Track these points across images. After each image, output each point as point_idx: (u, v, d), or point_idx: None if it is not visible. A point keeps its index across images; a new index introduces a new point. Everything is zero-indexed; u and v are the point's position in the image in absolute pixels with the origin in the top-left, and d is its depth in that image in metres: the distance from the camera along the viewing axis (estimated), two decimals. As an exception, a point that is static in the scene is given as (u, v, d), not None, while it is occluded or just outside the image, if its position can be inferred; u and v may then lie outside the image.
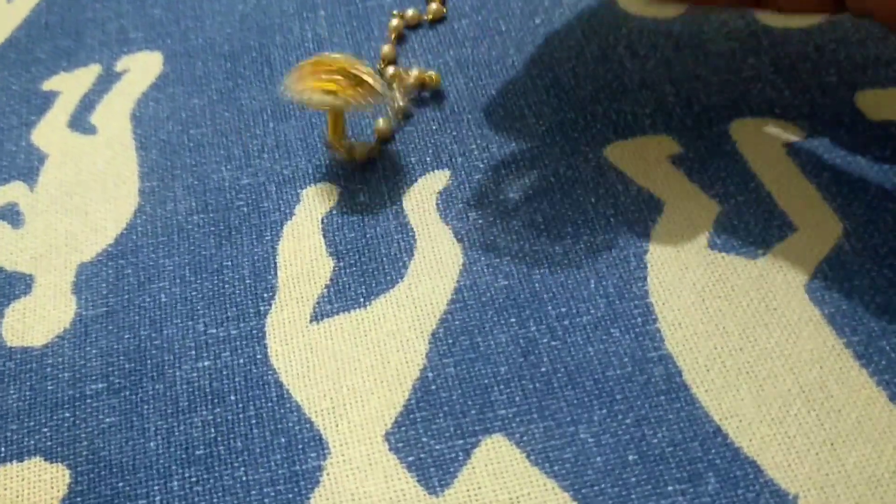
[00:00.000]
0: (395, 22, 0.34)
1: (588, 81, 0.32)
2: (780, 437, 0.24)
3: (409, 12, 0.34)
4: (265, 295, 0.27)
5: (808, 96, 0.31)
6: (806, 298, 0.26)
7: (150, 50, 0.34)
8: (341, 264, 0.28)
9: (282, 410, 0.25)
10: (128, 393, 0.26)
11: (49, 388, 0.26)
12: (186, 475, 0.24)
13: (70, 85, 0.34)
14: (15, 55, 0.35)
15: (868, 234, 0.27)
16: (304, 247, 0.28)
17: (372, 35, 0.34)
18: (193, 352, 0.26)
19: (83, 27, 0.36)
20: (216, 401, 0.25)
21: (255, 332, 0.26)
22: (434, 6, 0.34)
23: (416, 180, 0.29)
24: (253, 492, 0.24)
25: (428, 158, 0.30)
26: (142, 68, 0.34)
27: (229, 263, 0.28)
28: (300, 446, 0.24)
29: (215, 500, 0.24)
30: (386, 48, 0.33)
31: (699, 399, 0.24)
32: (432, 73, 0.32)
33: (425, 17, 0.34)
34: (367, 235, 0.28)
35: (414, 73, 0.32)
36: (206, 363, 0.26)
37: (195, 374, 0.26)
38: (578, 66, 0.32)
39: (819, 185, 0.28)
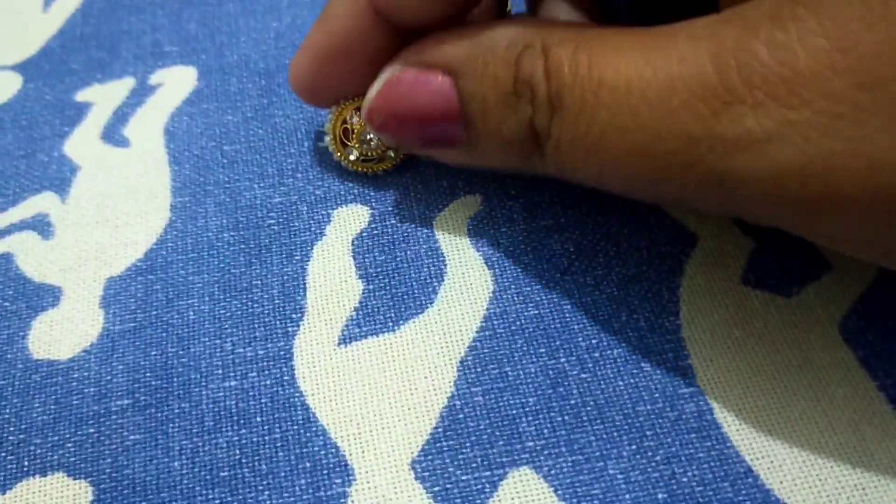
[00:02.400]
0: None
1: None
2: (811, 480, 0.23)
3: None
4: (294, 316, 0.27)
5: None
6: (839, 339, 0.26)
7: (184, 65, 0.35)
8: (371, 287, 0.28)
9: (308, 434, 0.25)
10: (153, 410, 0.25)
11: (74, 402, 0.26)
12: (210, 497, 0.24)
13: (104, 97, 0.34)
14: (49, 66, 0.35)
15: (903, 275, 0.27)
16: (333, 268, 0.28)
17: (406, 57, 0.34)
18: (220, 371, 0.26)
19: (118, 39, 0.36)
20: (242, 422, 0.25)
21: (282, 353, 0.26)
22: None
23: (447, 204, 0.29)
24: (277, 516, 0.23)
25: (460, 183, 0.30)
26: (176, 83, 0.34)
27: (258, 283, 0.28)
28: (325, 471, 0.24)
29: (239, 523, 0.23)
30: None
31: (730, 438, 0.24)
32: None
33: None
34: (398, 259, 0.28)
35: None
36: (232, 383, 0.26)
37: (221, 394, 0.26)
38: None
39: (855, 224, 0.28)
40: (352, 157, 0.29)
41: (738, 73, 0.18)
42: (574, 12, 0.28)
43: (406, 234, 0.29)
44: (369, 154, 0.29)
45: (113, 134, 0.32)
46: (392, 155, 0.29)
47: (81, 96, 0.34)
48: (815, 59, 0.17)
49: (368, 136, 0.29)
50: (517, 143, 0.24)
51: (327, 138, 0.29)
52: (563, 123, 0.22)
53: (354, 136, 0.29)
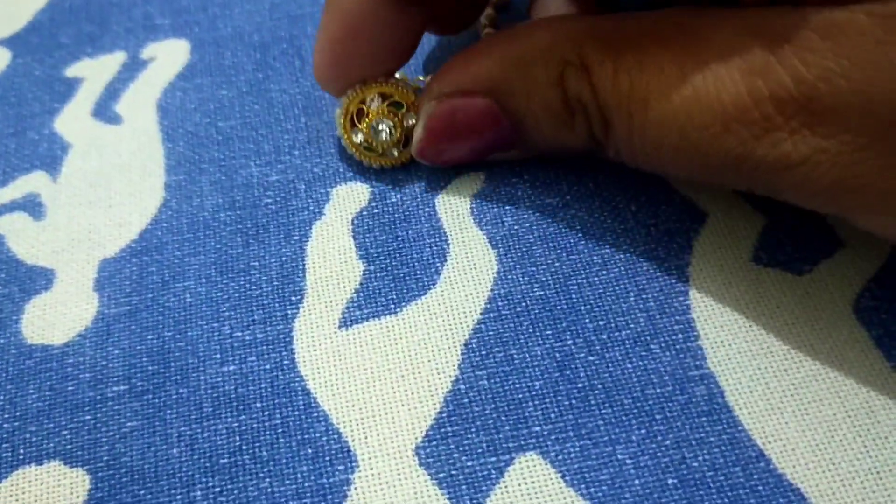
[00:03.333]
0: None
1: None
2: (824, 464, 0.23)
3: None
4: (293, 298, 0.26)
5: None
6: (853, 318, 0.25)
7: (177, 38, 0.34)
8: (371, 268, 0.27)
9: (309, 420, 0.24)
10: (150, 396, 0.25)
11: (69, 388, 0.25)
12: (210, 484, 0.23)
13: (94, 72, 0.33)
14: (38, 39, 0.34)
15: (918, 252, 0.26)
16: (333, 248, 0.27)
17: (405, 28, 0.33)
18: (218, 355, 0.25)
19: (108, 12, 0.35)
20: (241, 407, 0.24)
21: (282, 336, 0.26)
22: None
23: (449, 182, 0.29)
24: (278, 504, 0.23)
25: (462, 159, 0.29)
26: (168, 57, 0.33)
27: (256, 264, 0.27)
28: (327, 458, 0.24)
29: (239, 512, 0.23)
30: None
31: (742, 421, 0.24)
32: None
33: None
34: (399, 238, 0.27)
35: None
36: (231, 367, 0.25)
37: (220, 379, 0.25)
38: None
39: (868, 200, 0.27)
40: (356, 140, 0.28)
41: (771, 102, 0.20)
42: (567, 5, 0.28)
43: (407, 213, 0.28)
44: (373, 145, 0.28)
45: (105, 110, 0.32)
46: (395, 154, 0.28)
47: (71, 71, 0.33)
48: (837, 98, 0.20)
49: (380, 127, 0.27)
50: (578, 145, 0.26)
51: (338, 111, 0.28)
52: (618, 137, 0.24)
53: (367, 120, 0.27)
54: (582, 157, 0.28)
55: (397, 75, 0.28)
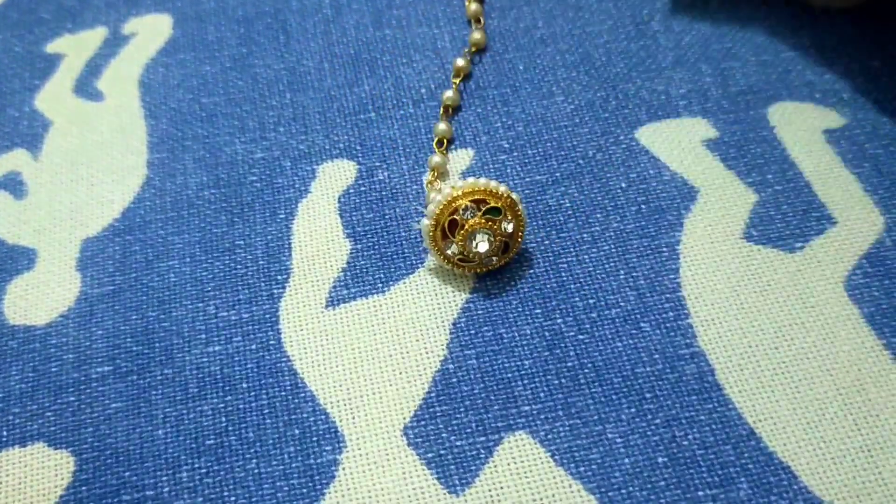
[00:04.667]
0: None
1: (620, 58, 0.30)
2: (815, 442, 0.23)
3: None
4: (279, 277, 0.26)
5: (850, 81, 0.29)
6: (844, 296, 0.25)
7: (158, 12, 0.33)
8: (359, 246, 0.27)
9: (296, 400, 0.24)
10: (135, 377, 0.24)
11: (53, 369, 0.25)
12: (196, 466, 0.23)
13: (75, 48, 0.32)
14: (17, 15, 0.33)
15: (909, 229, 0.26)
16: (319, 227, 0.27)
17: (394, 2, 0.32)
18: (204, 335, 0.25)
19: (89, -14, 0.34)
20: (227, 388, 0.24)
21: (268, 316, 0.25)
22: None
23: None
24: (265, 485, 0.23)
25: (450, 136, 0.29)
26: (150, 32, 0.32)
27: (241, 242, 0.27)
28: (315, 438, 0.23)
29: (226, 493, 0.23)
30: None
31: (732, 399, 0.23)
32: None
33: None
34: (386, 216, 0.27)
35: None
36: (216, 347, 0.25)
37: (205, 360, 0.25)
38: (610, 41, 0.31)
39: (860, 177, 0.27)
40: (449, 252, 0.25)
41: None
42: None
43: (395, 191, 0.28)
44: (470, 255, 0.25)
45: (86, 87, 0.31)
46: (494, 261, 0.25)
47: (52, 47, 0.32)
48: None
49: (477, 241, 0.25)
50: None
51: (426, 222, 0.25)
52: None
53: (462, 233, 0.25)
54: (569, 133, 0.28)
55: (482, 180, 0.25)
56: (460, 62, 0.30)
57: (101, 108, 0.30)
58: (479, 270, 0.26)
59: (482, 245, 0.25)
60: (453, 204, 0.25)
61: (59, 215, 0.28)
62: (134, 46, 0.32)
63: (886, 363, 0.24)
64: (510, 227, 0.25)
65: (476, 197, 0.25)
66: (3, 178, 0.29)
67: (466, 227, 0.25)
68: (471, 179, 0.25)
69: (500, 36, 0.31)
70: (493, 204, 0.25)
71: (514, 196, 0.25)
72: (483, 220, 0.25)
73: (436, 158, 0.28)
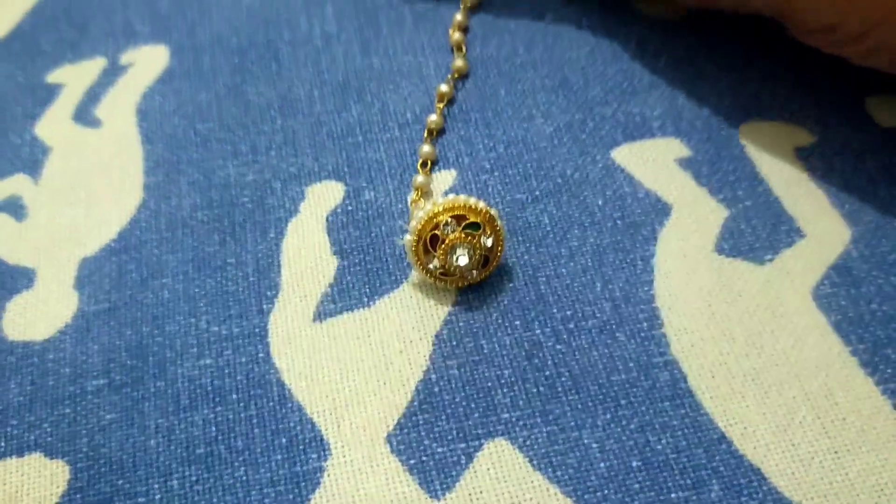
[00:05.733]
0: None
1: (597, 82, 0.31)
2: (784, 445, 0.24)
3: None
4: (268, 293, 0.27)
5: (819, 100, 0.30)
6: (813, 305, 0.26)
7: (155, 43, 0.34)
8: (346, 263, 0.28)
9: (283, 410, 0.25)
10: (129, 390, 0.25)
11: (50, 383, 0.26)
12: (187, 474, 0.24)
13: (75, 77, 0.33)
14: (20, 46, 0.35)
15: (876, 241, 0.27)
16: (308, 245, 0.28)
17: (381, 32, 0.34)
18: (195, 349, 0.26)
19: (88, 19, 0.35)
20: (217, 399, 0.25)
21: (257, 330, 0.26)
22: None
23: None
24: (253, 492, 0.23)
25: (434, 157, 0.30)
26: (147, 62, 0.34)
27: (233, 261, 0.28)
28: (301, 447, 0.24)
29: (215, 500, 0.23)
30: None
31: (704, 405, 0.24)
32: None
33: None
34: (372, 234, 0.28)
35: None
36: (207, 361, 0.26)
37: (197, 372, 0.26)
38: (588, 65, 0.32)
39: (828, 191, 0.28)
40: (431, 266, 0.26)
41: None
42: None
43: (381, 210, 0.29)
44: (451, 269, 0.26)
45: (85, 114, 0.32)
46: (474, 275, 0.26)
47: (52, 77, 0.34)
48: None
49: (458, 254, 0.26)
50: None
51: (408, 238, 0.26)
52: None
53: (443, 247, 0.26)
54: (548, 153, 0.29)
55: (462, 197, 0.26)
56: (444, 88, 0.31)
57: (99, 134, 0.32)
58: (460, 284, 0.27)
59: (462, 258, 0.26)
60: (434, 219, 0.26)
61: (58, 236, 0.29)
62: (131, 76, 0.33)
63: (853, 369, 0.25)
64: (489, 242, 0.26)
65: (456, 212, 0.26)
66: (4, 202, 0.30)
67: (447, 241, 0.26)
68: (451, 196, 0.26)
69: (482, 62, 0.32)
70: (472, 219, 0.26)
71: (492, 212, 0.26)
72: (463, 235, 0.26)
73: (420, 179, 0.29)
